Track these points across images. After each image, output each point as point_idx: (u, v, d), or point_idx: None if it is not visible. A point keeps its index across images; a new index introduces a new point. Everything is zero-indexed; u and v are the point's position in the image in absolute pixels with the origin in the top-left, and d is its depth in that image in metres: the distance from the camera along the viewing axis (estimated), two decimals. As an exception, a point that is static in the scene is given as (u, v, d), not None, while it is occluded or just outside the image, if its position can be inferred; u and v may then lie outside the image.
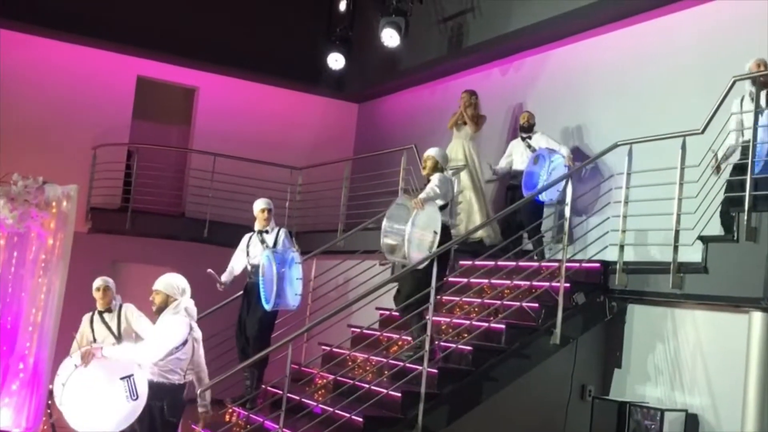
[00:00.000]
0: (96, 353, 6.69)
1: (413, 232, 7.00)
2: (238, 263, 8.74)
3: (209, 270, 8.45)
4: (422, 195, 7.25)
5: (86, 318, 7.58)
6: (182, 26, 13.09)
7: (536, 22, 10.07)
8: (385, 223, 7.27)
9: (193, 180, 13.09)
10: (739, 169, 7.01)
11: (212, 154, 12.72)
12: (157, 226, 12.82)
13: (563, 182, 8.03)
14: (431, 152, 7.74)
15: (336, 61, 13.26)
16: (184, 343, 6.67)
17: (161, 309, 6.75)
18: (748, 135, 6.93)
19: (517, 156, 10.00)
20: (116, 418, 6.48)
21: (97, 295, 7.50)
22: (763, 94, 7.08)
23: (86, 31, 12.71)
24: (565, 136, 10.11)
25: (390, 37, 11.72)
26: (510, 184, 10.11)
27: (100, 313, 7.50)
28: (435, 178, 7.54)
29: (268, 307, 8.01)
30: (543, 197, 9.03)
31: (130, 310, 7.49)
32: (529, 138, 9.87)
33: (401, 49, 11.98)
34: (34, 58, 12.82)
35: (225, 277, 8.62)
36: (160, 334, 6.69)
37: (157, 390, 6.61)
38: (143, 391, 6.54)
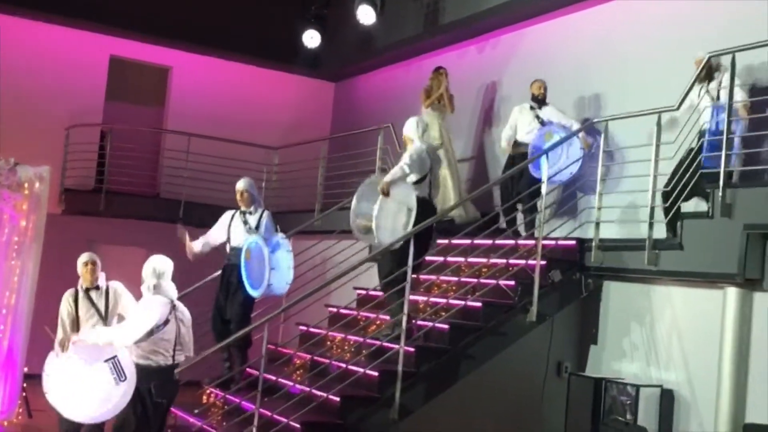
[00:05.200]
0: (72, 338, 6.61)
1: (380, 217, 6.89)
2: (217, 236, 8.40)
3: (180, 226, 8.23)
4: (387, 177, 7.12)
5: (68, 296, 7.06)
6: (156, 5, 12.92)
7: (512, 0, 10.02)
8: (354, 203, 7.18)
9: (168, 160, 12.99)
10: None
11: (187, 134, 12.63)
12: (131, 207, 12.72)
13: (579, 162, 8.15)
14: (405, 131, 7.63)
15: (312, 38, 13.14)
16: (166, 323, 6.60)
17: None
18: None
19: (523, 125, 9.45)
20: (110, 401, 6.42)
21: (84, 270, 7.00)
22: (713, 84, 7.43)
23: (58, 10, 12.56)
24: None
25: (365, 15, 11.64)
26: (512, 154, 9.53)
27: (86, 291, 7.20)
28: (406, 152, 7.42)
29: (256, 293, 7.77)
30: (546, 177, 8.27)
31: (119, 288, 7.25)
32: (539, 109, 9.41)
33: (377, 26, 11.90)
34: (4, 37, 12.62)
35: (198, 248, 8.31)
36: (136, 315, 6.66)
37: (143, 372, 6.55)
38: (131, 371, 6.48)
